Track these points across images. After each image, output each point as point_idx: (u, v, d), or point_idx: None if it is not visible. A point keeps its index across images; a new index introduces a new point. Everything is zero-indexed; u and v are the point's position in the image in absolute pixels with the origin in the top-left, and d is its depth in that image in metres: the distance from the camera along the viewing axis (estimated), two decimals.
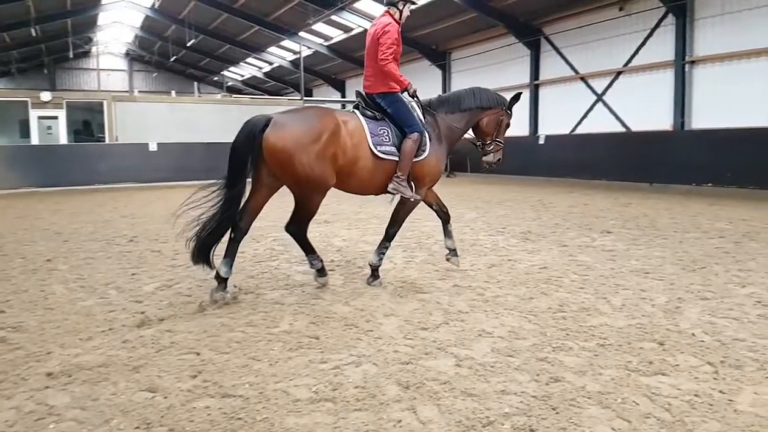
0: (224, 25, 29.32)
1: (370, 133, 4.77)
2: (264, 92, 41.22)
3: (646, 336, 3.68)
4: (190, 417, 2.65)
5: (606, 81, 17.00)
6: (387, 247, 5.24)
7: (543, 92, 19.21)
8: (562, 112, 18.36)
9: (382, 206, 10.80)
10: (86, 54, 41.01)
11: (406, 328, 3.88)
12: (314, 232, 8.00)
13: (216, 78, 44.13)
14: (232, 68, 40.48)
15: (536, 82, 19.30)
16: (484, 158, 5.54)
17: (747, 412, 2.65)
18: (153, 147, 17.91)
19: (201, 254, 4.55)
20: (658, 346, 3.50)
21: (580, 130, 17.89)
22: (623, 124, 16.50)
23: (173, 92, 29.42)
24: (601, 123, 17.07)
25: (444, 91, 23.37)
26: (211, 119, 19.92)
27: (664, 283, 5.04)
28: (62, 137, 19.74)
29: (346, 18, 22.72)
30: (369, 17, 22.38)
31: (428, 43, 23.06)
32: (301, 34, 26.68)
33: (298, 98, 25.06)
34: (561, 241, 7.15)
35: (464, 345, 3.55)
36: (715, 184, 13.16)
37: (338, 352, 3.43)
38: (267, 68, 37.21)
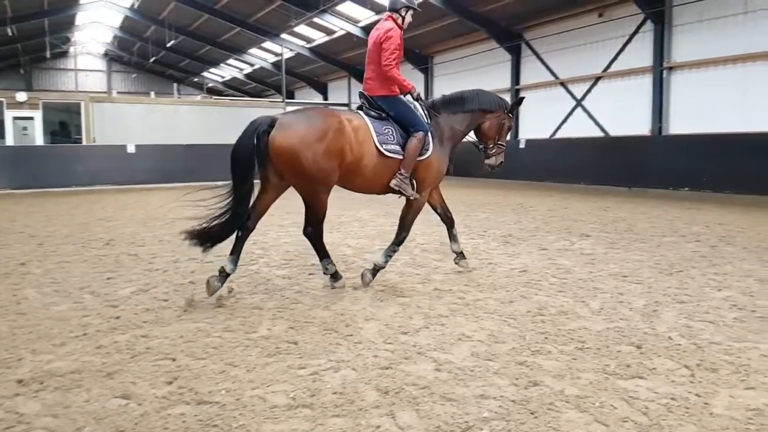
0: (205, 26, 29.08)
1: (376, 132, 4.87)
2: (245, 94, 40.97)
3: (623, 339, 3.70)
4: (165, 424, 2.60)
5: (585, 86, 17.19)
6: (395, 251, 5.28)
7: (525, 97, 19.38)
8: (543, 117, 18.52)
9: (364, 209, 10.79)
10: (64, 54, 40.39)
11: (386, 332, 3.86)
12: (295, 235, 7.95)
13: (196, 79, 43.74)
14: (212, 69, 40.15)
15: (517, 87, 19.44)
16: (487, 161, 5.64)
17: (722, 415, 2.68)
18: (131, 149, 17.69)
19: (201, 241, 4.59)
20: (636, 349, 3.53)
21: (560, 135, 18.06)
22: (602, 129, 16.69)
23: (152, 93, 29.07)
24: (580, 128, 17.25)
25: (427, 93, 23.47)
26: (190, 121, 19.74)
27: (641, 286, 5.09)
28: (38, 138, 19.38)
29: (328, 20, 22.68)
30: (351, 20, 22.40)
31: (410, 46, 23.08)
32: (283, 35, 26.57)
33: (280, 100, 24.93)
34: (541, 244, 7.20)
35: (444, 349, 3.54)
36: (691, 189, 13.36)
37: (317, 358, 3.39)
38: (248, 70, 36.97)
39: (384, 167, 4.89)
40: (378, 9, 20.80)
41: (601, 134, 16.67)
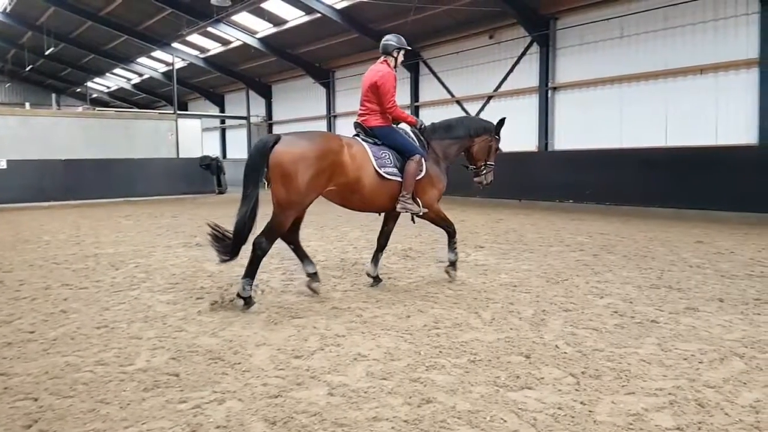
0: (88, 33, 27.19)
1: (374, 156, 5.29)
2: (133, 105, 38.84)
3: (513, 349, 3.77)
4: None
5: (479, 104, 17.87)
6: (455, 242, 5.89)
7: (423, 113, 19.79)
8: None
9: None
10: None
11: (278, 357, 3.68)
12: (183, 256, 7.53)
13: (79, 90, 40.79)
14: (97, 79, 37.61)
15: (416, 104, 19.88)
16: (476, 179, 6.21)
17: (605, 422, 2.76)
18: (2, 164, 16.26)
19: (222, 250, 5.02)
20: (525, 359, 3.60)
21: None
22: None
23: (27, 104, 26.68)
24: None
25: (328, 108, 23.53)
26: (71, 134, 18.33)
27: (530, 295, 5.26)
28: None
29: (223, 30, 21.99)
30: (248, 31, 21.88)
31: (311, 60, 22.97)
32: (175, 45, 25.44)
33: (171, 112, 23.75)
34: (438, 257, 7.29)
35: (339, 371, 3.43)
36: (575, 201, 14.24)
37: (200, 390, 3.15)
38: (136, 80, 35.04)
39: (382, 188, 5.31)
40: (276, 21, 20.50)
41: None
